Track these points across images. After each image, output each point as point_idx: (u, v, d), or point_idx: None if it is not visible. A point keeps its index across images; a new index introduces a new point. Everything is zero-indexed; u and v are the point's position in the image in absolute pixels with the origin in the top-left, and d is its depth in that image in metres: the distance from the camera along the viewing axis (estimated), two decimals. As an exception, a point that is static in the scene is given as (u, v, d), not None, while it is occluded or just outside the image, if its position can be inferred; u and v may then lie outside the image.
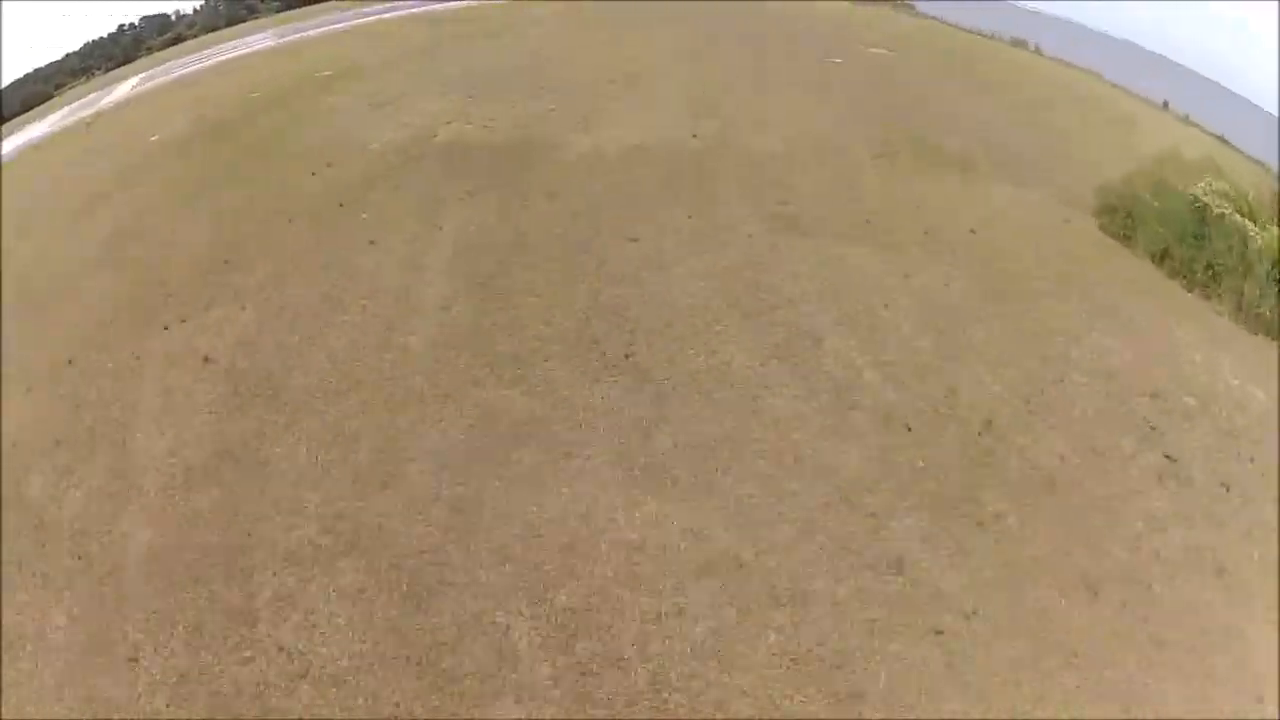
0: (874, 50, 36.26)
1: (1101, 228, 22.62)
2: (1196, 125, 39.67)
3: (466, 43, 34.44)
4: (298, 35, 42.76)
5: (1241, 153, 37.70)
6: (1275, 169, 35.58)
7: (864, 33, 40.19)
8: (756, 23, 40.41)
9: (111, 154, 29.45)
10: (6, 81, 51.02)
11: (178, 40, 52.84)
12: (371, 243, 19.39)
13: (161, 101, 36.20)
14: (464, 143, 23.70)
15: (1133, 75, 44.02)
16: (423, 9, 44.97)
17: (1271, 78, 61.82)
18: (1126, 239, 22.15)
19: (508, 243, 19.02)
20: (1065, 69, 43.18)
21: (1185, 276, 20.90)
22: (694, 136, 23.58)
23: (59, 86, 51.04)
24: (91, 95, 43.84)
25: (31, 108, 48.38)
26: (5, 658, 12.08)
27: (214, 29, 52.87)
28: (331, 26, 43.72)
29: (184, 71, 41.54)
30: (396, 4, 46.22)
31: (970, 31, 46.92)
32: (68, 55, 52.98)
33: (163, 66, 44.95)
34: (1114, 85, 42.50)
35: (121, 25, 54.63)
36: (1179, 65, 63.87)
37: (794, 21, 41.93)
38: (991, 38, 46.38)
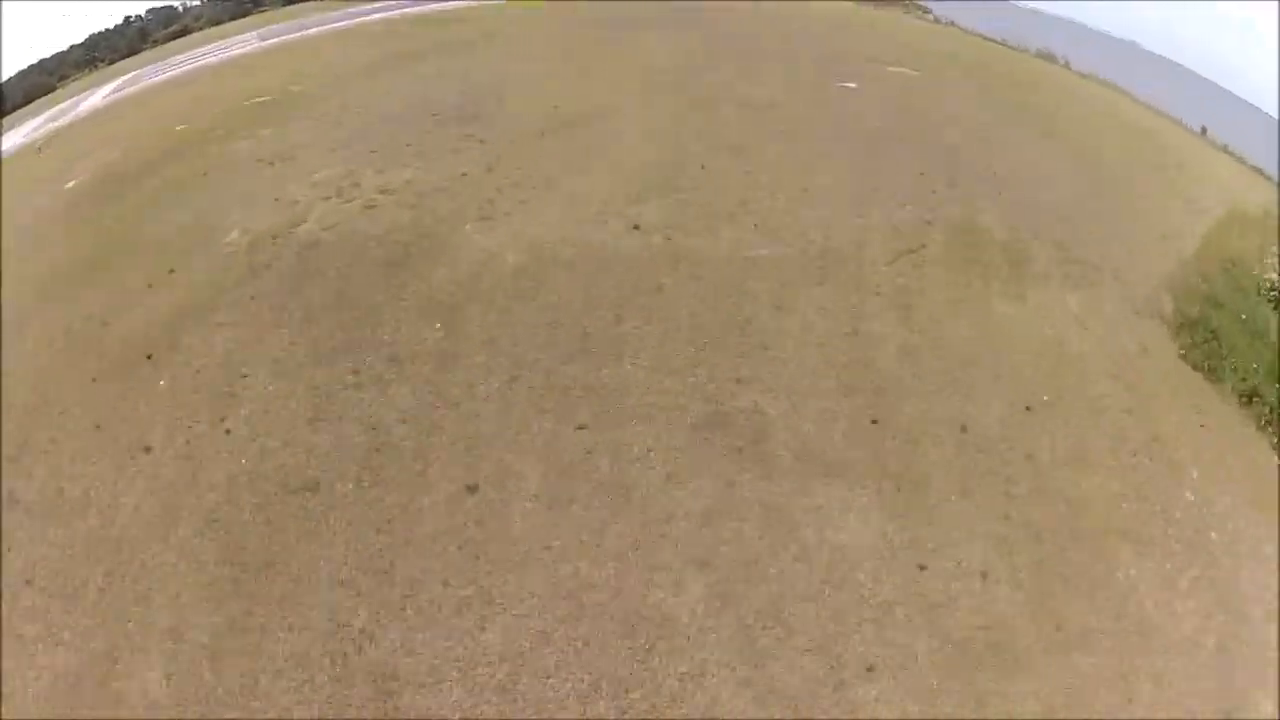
0: (894, 70, 27.26)
1: (1183, 356, 15.19)
2: (1234, 154, 31.33)
3: (425, 59, 25.55)
4: (275, 40, 34.49)
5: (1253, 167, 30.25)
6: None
7: (874, 41, 31.08)
8: (758, 27, 31.46)
9: (22, 205, 21.66)
10: (8, 73, 43.45)
11: (184, 33, 44.63)
12: (146, 449, 11.48)
13: (105, 126, 27.83)
14: (330, 239, 15.25)
15: (1135, 77, 36.02)
16: (416, 9, 36.47)
17: (1273, 79, 53.51)
18: (1211, 370, 15.11)
19: (296, 476, 10.79)
20: (1097, 87, 34.30)
21: (1276, 430, 14.38)
22: (635, 228, 14.98)
23: (63, 78, 43.27)
24: (76, 98, 36.14)
25: (34, 99, 41.04)
26: None
27: (218, 22, 44.60)
28: (323, 27, 35.40)
29: (154, 80, 33.61)
30: (398, 1, 37.88)
31: (989, 39, 37.74)
32: (72, 47, 45.02)
33: (154, 66, 37.09)
34: (1148, 107, 33.97)
35: (128, 17, 46.41)
36: (1180, 66, 55.83)
37: (798, 24, 32.93)
38: (1017, 49, 37.09)
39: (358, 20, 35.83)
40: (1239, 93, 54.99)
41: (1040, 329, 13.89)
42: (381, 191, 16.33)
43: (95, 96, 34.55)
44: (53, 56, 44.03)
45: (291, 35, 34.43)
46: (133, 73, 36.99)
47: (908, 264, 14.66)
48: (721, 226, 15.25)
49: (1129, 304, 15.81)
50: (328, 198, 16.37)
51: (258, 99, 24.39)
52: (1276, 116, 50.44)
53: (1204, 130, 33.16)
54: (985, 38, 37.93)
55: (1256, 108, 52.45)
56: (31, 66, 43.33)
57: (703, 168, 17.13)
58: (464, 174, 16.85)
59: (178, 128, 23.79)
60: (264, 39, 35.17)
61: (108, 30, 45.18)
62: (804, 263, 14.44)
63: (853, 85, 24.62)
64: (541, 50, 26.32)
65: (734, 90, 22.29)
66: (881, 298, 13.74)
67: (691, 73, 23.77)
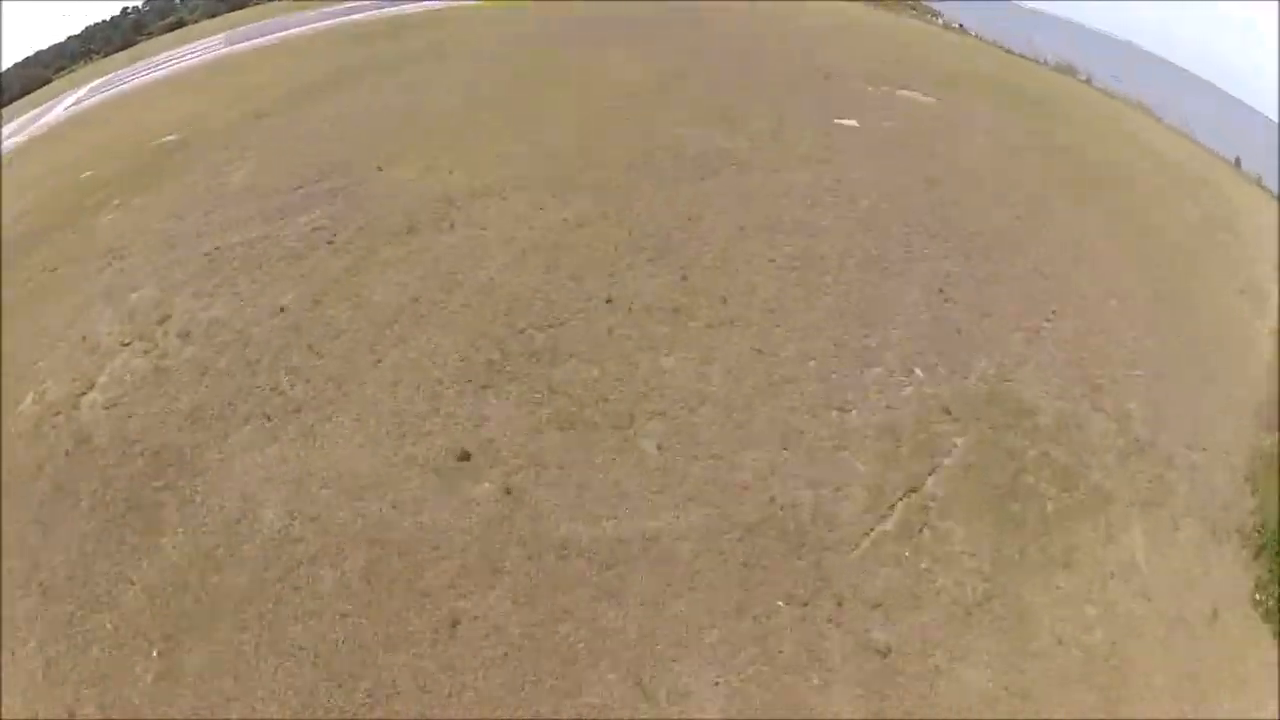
0: (904, 95, 20.32)
1: (1257, 601, 9.38)
2: (1265, 188, 24.17)
3: (351, 87, 18.91)
4: (236, 47, 27.89)
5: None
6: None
7: (880, 53, 23.80)
8: (751, 33, 24.17)
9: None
10: (6, 65, 37.18)
11: (179, 25, 37.84)
12: None
13: (32, 162, 21.46)
14: (103, 432, 9.25)
15: (1133, 80, 29.33)
16: (394, 9, 29.61)
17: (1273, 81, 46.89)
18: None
19: None
20: (1121, 108, 27.11)
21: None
22: (465, 460, 8.40)
23: (59, 71, 36.94)
24: (44, 106, 29.88)
25: (30, 91, 35.00)
26: None
27: (214, 15, 37.74)
28: (300, 29, 28.84)
29: (106, 95, 27.30)
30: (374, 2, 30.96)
31: (1004, 49, 30.21)
32: (69, 39, 38.38)
33: (120, 73, 30.76)
34: (1173, 130, 26.95)
35: (125, 9, 39.39)
36: (1182, 69, 48.85)
37: (796, 27, 25.66)
38: (1035, 61, 29.58)
39: (340, 20, 29.12)
40: (1240, 96, 47.68)
41: (1090, 635, 7.79)
42: (183, 336, 10.23)
43: (59, 107, 28.39)
44: (49, 49, 37.51)
45: (255, 42, 27.78)
46: (101, 79, 30.66)
47: (901, 529, 8.17)
48: (601, 453, 8.52)
49: (1207, 522, 9.71)
50: (128, 342, 10.34)
51: (166, 138, 18.26)
52: (1277, 121, 43.50)
53: (1238, 162, 26.04)
54: (1000, 47, 30.41)
55: (1259, 112, 45.31)
56: (28, 59, 36.92)
57: (608, 301, 10.32)
58: (283, 309, 10.48)
59: (83, 175, 17.81)
60: (230, 44, 28.57)
61: (103, 22, 38.31)
62: (720, 550, 7.78)
63: (852, 123, 17.81)
64: (487, 74, 19.38)
65: (697, 137, 15.16)
66: (841, 632, 7.28)
67: (649, 107, 16.73)
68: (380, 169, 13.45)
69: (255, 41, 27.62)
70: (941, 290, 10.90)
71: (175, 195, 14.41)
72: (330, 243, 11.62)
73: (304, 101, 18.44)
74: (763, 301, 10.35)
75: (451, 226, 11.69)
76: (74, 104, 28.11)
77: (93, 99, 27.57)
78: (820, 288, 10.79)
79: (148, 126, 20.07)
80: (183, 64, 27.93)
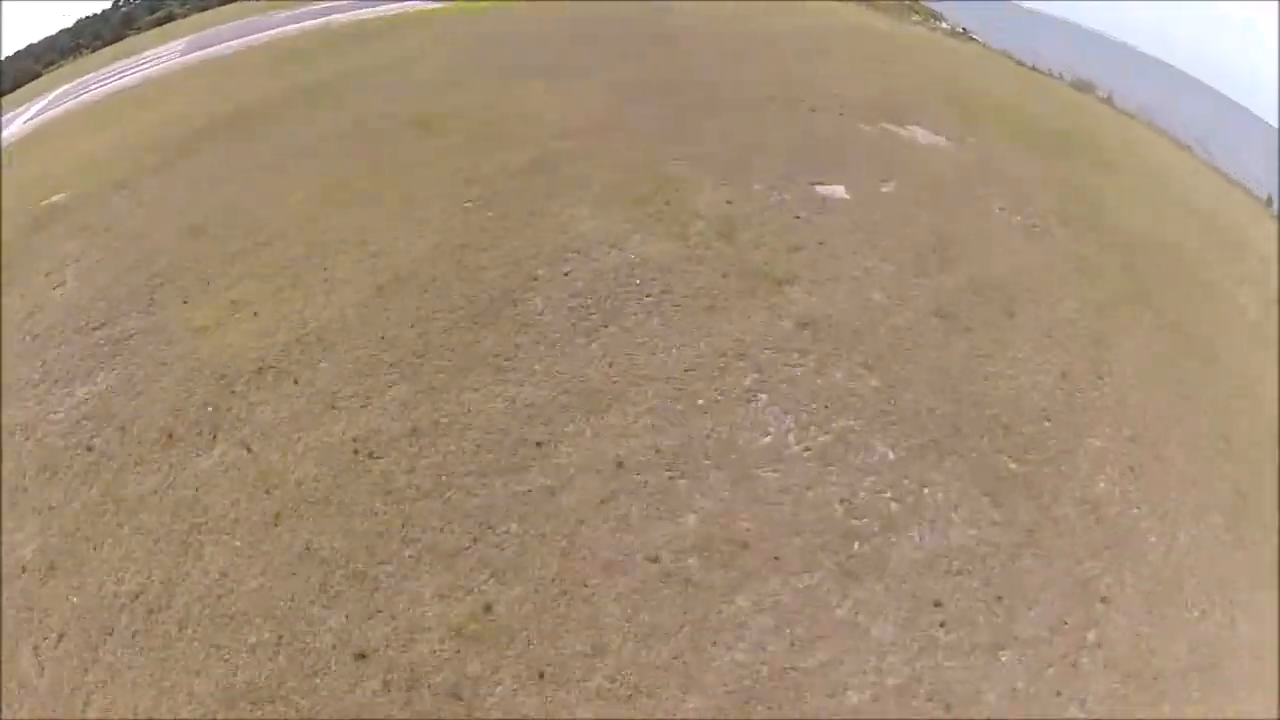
0: (909, 133, 14.70)
1: None
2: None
3: (261, 128, 13.55)
4: (195, 55, 22.50)
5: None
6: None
7: (881, 70, 17.93)
8: (732, 48, 17.90)
9: None
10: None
11: (168, 19, 31.99)
12: None
13: None
14: None
15: (1130, 83, 24.47)
16: (379, 10, 23.92)
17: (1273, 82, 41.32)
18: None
19: None
20: (1146, 133, 21.36)
21: None
22: None
23: (48, 65, 31.61)
24: (15, 110, 24.92)
25: (20, 85, 30.01)
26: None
27: (205, 8, 31.82)
28: (274, 31, 23.42)
29: (67, 105, 22.38)
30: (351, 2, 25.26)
31: (1015, 60, 23.99)
32: (60, 32, 32.73)
33: (83, 81, 25.56)
34: (1204, 161, 21.33)
35: (116, 2, 33.39)
36: (1177, 70, 43.11)
37: (785, 26, 19.70)
38: (1051, 75, 23.39)
39: (321, 21, 23.55)
40: (1238, 98, 41.32)
41: None
42: None
43: (18, 121, 23.40)
44: (40, 42, 32.04)
45: (217, 48, 22.39)
46: (70, 84, 25.51)
47: None
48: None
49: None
50: None
51: (54, 197, 13.40)
52: (1278, 126, 37.52)
53: (1270, 201, 20.39)
54: (1009, 57, 24.14)
55: (1258, 116, 39.20)
56: (19, 52, 31.52)
57: (361, 657, 4.92)
58: (24, 568, 6.08)
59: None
60: (186, 52, 23.15)
61: (93, 16, 32.54)
62: None
63: (840, 192, 12.25)
64: (385, 125, 13.05)
65: (606, 237, 8.95)
66: None
67: (563, 170, 10.70)
68: (185, 301, 8.53)
69: (212, 50, 22.21)
70: (939, 603, 5.92)
71: (8, 311, 9.75)
72: (89, 449, 6.96)
73: (198, 149, 13.47)
74: (607, 678, 4.91)
75: (214, 438, 6.75)
76: (34, 116, 23.17)
77: (46, 114, 22.61)
78: (724, 624, 5.10)
79: (53, 173, 15.27)
80: (138, 73, 22.74)
